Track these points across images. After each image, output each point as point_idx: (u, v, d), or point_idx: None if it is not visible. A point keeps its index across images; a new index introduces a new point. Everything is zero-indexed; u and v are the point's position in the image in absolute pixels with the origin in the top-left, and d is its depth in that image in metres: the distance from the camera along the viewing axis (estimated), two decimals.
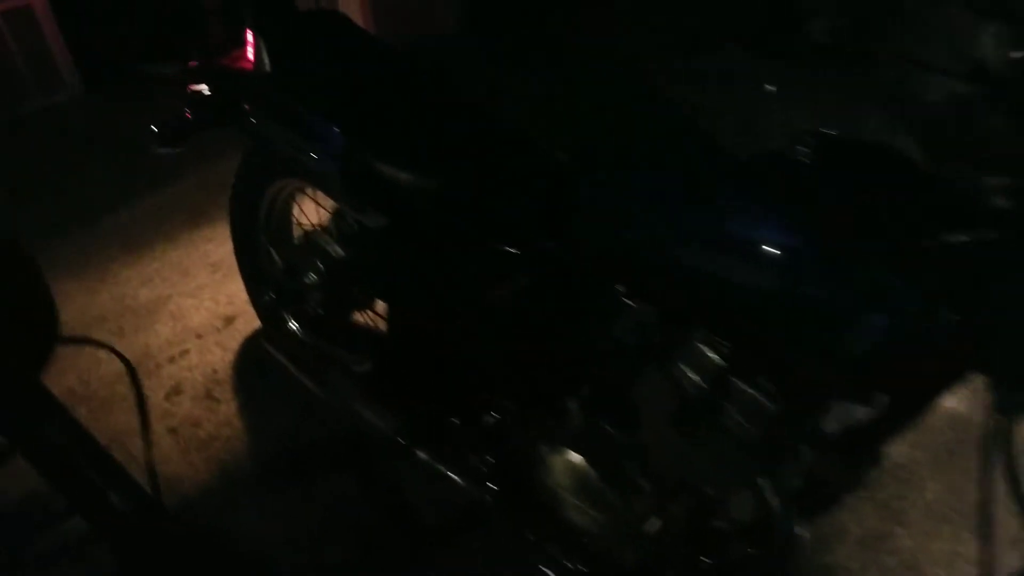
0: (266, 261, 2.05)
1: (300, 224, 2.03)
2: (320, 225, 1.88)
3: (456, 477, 1.62)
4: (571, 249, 1.35)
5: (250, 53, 1.72)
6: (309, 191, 1.93)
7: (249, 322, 2.33)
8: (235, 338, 2.29)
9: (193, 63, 1.83)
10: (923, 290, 1.01)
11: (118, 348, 2.24)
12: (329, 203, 1.90)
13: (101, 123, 3.60)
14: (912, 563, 1.64)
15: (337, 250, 1.76)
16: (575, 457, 1.42)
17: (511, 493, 1.58)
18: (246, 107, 1.73)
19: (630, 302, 1.31)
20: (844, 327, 1.08)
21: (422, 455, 1.66)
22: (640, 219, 1.23)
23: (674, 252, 1.18)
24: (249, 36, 1.71)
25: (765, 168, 1.19)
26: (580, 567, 1.52)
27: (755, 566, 1.32)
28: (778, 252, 1.08)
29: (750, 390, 1.18)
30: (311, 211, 1.98)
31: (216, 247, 2.64)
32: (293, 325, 2.01)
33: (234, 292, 2.44)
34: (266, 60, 1.69)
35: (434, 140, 1.54)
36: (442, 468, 1.64)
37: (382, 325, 1.92)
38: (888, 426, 1.18)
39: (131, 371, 2.16)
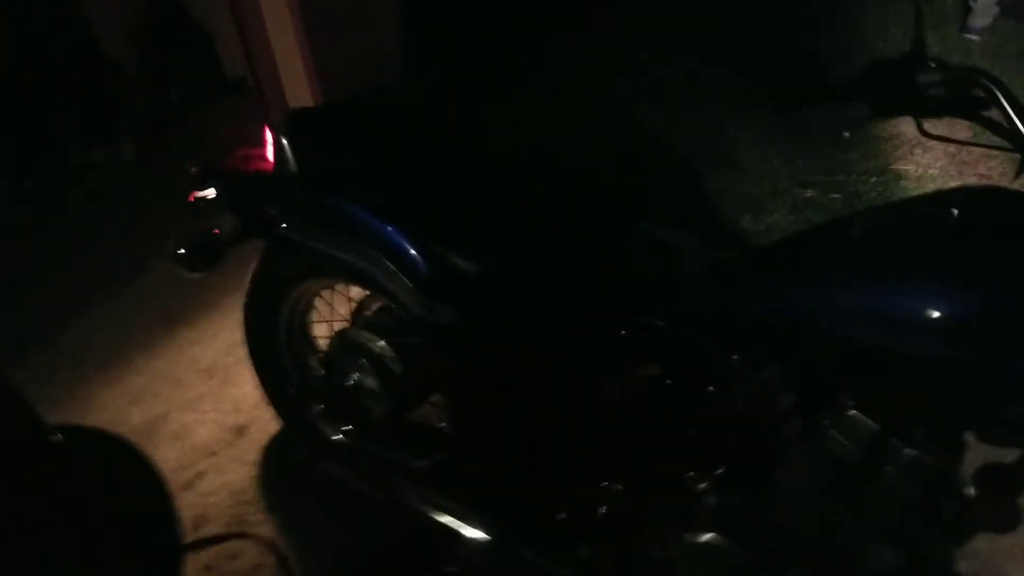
0: (292, 367, 1.89)
1: (326, 323, 1.89)
2: (357, 322, 1.76)
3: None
4: (685, 323, 1.29)
5: (269, 153, 1.59)
6: (340, 287, 1.80)
7: (263, 429, 2.15)
8: (252, 449, 2.11)
9: (193, 167, 1.68)
10: None
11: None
12: (367, 298, 1.78)
13: (35, 219, 3.29)
14: None
15: (390, 348, 1.64)
16: (715, 538, 1.35)
17: None
18: (274, 213, 1.60)
19: (754, 371, 1.27)
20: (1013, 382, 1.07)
21: (526, 553, 1.56)
22: (779, 291, 1.19)
23: (825, 323, 1.14)
24: (268, 135, 1.58)
25: (906, 231, 1.16)
26: None
27: None
28: (945, 317, 1.06)
29: (908, 448, 1.16)
30: (330, 308, 1.85)
31: (203, 349, 2.44)
32: (337, 433, 1.86)
33: (238, 397, 2.25)
34: (291, 159, 1.56)
35: (505, 222, 1.46)
36: (551, 565, 1.54)
37: (435, 415, 1.80)
38: None
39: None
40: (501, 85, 3.46)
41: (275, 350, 1.87)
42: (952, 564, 1.24)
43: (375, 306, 1.79)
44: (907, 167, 3.06)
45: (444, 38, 3.46)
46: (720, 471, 1.32)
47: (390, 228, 1.46)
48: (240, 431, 2.16)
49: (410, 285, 1.46)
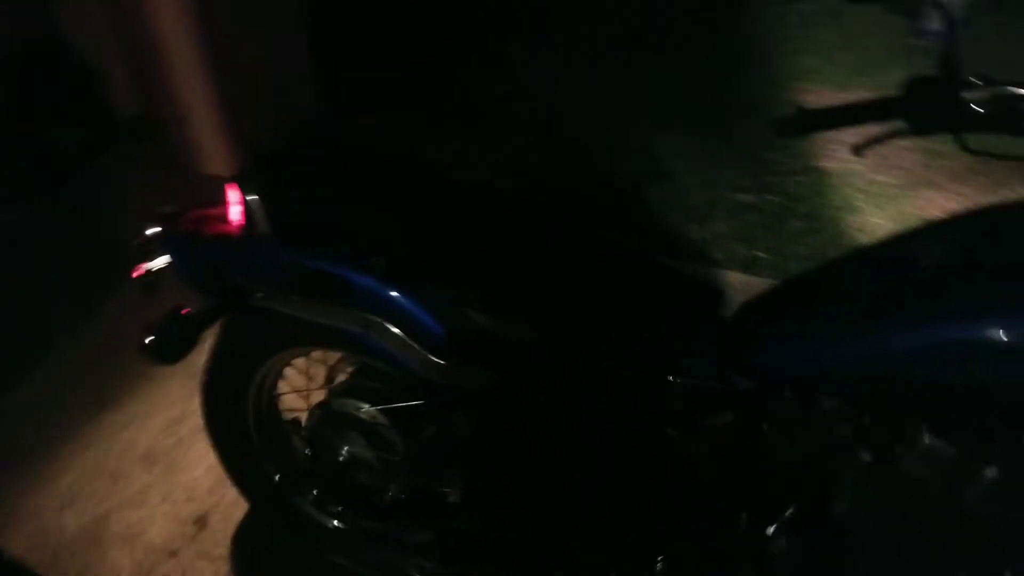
0: (265, 449, 1.68)
1: (297, 393, 1.69)
2: (337, 389, 1.58)
3: None
4: (753, 377, 1.20)
5: (234, 213, 1.39)
6: (318, 354, 1.61)
7: (226, 516, 1.92)
8: (219, 542, 1.87)
9: (142, 236, 1.46)
10: None
11: None
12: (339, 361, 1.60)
13: None
14: None
15: (384, 415, 1.48)
16: None
17: None
18: (246, 281, 1.41)
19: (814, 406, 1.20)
20: None
21: None
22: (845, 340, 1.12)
23: (896, 366, 1.08)
24: (230, 193, 1.39)
25: (948, 255, 1.13)
26: None
27: None
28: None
29: (991, 471, 1.11)
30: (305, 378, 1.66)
31: (138, 433, 2.16)
32: (332, 517, 1.66)
33: (189, 483, 2.01)
34: (262, 219, 1.37)
35: (520, 269, 1.33)
36: None
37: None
38: None
39: None
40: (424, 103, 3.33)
41: (243, 432, 1.66)
42: None
43: (349, 369, 1.63)
44: (830, 164, 3.13)
45: (356, 61, 3.30)
46: (789, 513, 1.25)
47: (394, 291, 1.31)
48: (200, 522, 1.92)
49: (421, 351, 1.31)
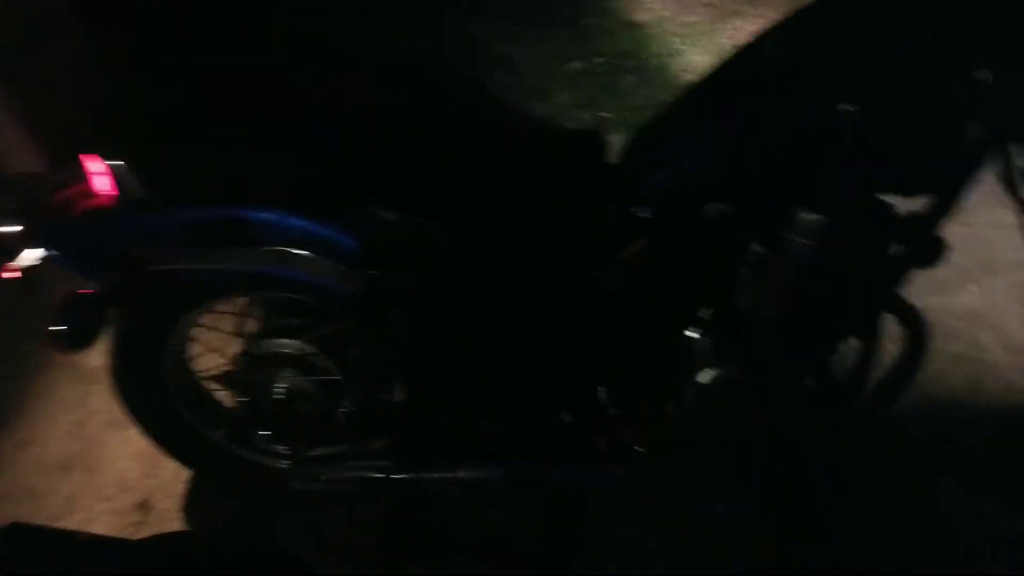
0: (195, 414, 1.66)
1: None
2: (258, 337, 1.57)
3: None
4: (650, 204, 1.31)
5: (101, 184, 1.33)
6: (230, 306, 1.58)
7: (169, 493, 1.88)
8: (171, 517, 1.84)
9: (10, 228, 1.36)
10: None
11: None
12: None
13: None
14: None
15: (313, 345, 1.50)
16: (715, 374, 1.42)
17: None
18: (140, 251, 1.36)
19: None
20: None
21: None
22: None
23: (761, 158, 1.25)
24: (91, 165, 1.32)
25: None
26: None
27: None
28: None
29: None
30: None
31: (42, 447, 2.03)
32: (279, 459, 1.68)
33: (116, 477, 1.94)
34: (135, 183, 1.32)
35: (413, 167, 1.36)
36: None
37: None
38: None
39: None
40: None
41: (168, 403, 1.63)
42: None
43: (258, 314, 1.61)
44: (643, 16, 3.27)
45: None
46: (708, 315, 1.39)
47: (296, 218, 1.31)
48: (144, 507, 1.87)
49: (339, 267, 1.32)
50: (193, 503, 1.87)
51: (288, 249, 1.30)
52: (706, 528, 1.71)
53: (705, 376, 1.40)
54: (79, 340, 1.32)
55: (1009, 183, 1.40)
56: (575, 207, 1.33)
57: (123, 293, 1.37)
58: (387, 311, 1.39)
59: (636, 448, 1.52)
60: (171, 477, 1.90)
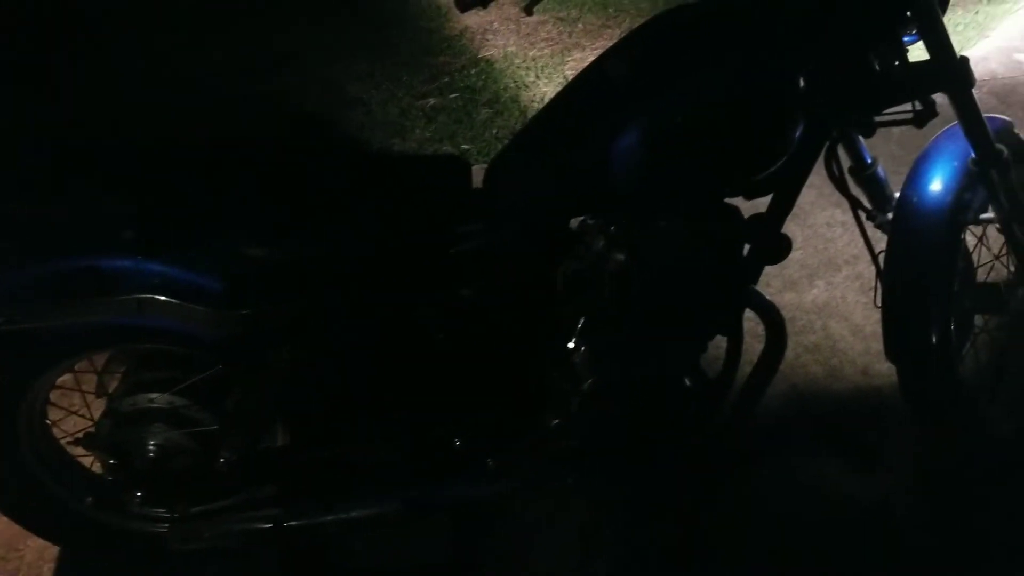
0: (60, 483, 1.54)
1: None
2: (122, 395, 1.48)
3: None
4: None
5: None
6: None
7: (34, 571, 1.74)
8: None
9: None
10: None
11: None
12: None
13: None
14: None
15: (184, 397, 1.44)
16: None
17: None
18: None
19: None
20: None
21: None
22: None
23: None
24: None
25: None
26: None
27: None
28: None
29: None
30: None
31: None
32: (153, 522, 1.58)
33: None
34: None
35: (276, 198, 1.34)
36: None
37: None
38: None
39: None
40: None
41: (27, 475, 1.51)
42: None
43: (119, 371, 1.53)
44: (491, 52, 3.36)
45: None
46: (581, 325, 1.43)
47: (153, 263, 1.26)
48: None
49: (207, 311, 1.28)
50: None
51: (151, 296, 1.25)
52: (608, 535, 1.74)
53: (587, 384, 1.45)
54: None
55: (840, 182, 1.54)
56: (441, 228, 1.35)
57: None
58: (263, 351, 1.36)
59: (530, 461, 1.54)
60: (34, 558, 1.75)
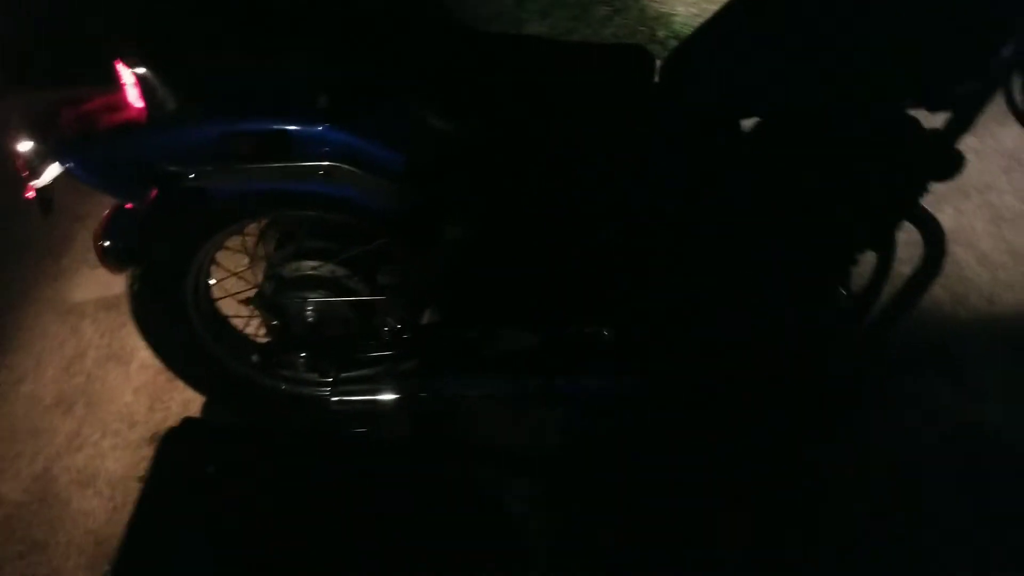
0: (216, 341, 1.63)
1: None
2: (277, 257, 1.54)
3: None
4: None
5: (132, 96, 1.27)
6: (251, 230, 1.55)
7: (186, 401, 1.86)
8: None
9: (19, 157, 1.28)
10: None
11: None
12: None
13: None
14: None
15: (344, 268, 1.49)
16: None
17: None
18: (172, 166, 1.30)
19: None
20: None
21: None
22: None
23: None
24: (123, 74, 1.26)
25: None
26: None
27: None
28: None
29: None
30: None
31: (36, 384, 1.96)
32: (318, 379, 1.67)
33: (121, 411, 1.89)
34: (163, 95, 1.26)
35: (458, 76, 1.34)
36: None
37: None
38: None
39: None
40: None
41: (191, 332, 1.59)
42: None
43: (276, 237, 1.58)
44: None
45: None
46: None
47: (342, 132, 1.28)
48: (156, 440, 1.83)
49: (388, 182, 1.30)
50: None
51: (339, 164, 1.27)
52: None
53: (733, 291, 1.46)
54: (130, 254, 1.27)
55: (1014, 104, 1.49)
56: (618, 122, 1.34)
57: (159, 209, 1.31)
58: (434, 228, 1.38)
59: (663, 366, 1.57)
60: (180, 410, 1.87)
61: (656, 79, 1.37)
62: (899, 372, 1.92)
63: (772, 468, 1.71)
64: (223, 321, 1.67)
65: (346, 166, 1.28)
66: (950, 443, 1.78)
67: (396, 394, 1.56)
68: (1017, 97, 1.45)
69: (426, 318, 1.61)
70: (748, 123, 1.42)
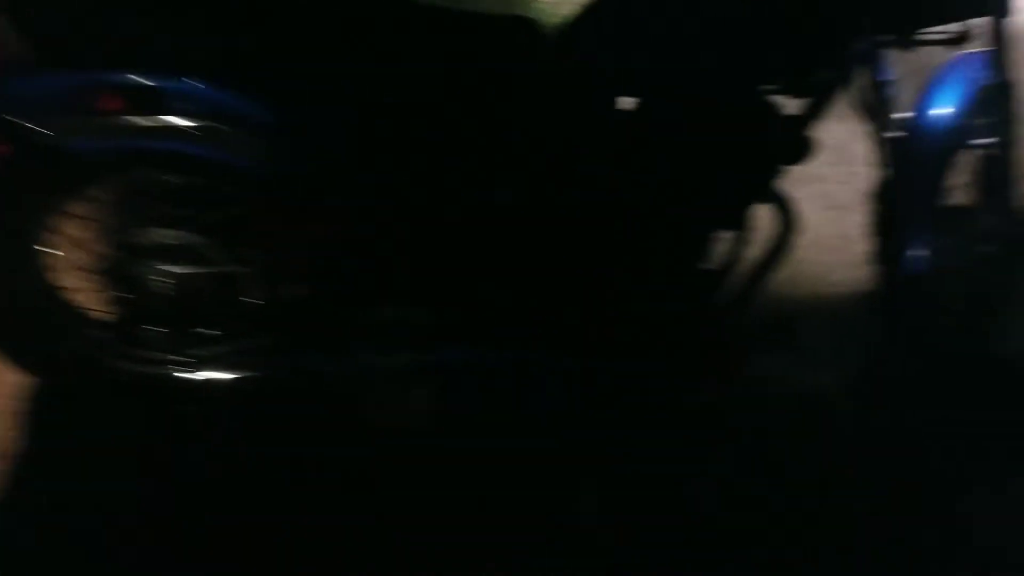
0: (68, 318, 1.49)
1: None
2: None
3: None
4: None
5: None
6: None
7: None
8: None
9: None
10: None
11: None
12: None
13: None
14: None
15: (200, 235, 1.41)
16: None
17: None
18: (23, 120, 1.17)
19: None
20: None
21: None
22: None
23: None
24: None
25: None
26: None
27: None
28: None
29: None
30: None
31: None
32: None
33: None
34: (13, 41, 1.15)
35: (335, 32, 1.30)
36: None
37: None
38: None
39: None
40: None
41: (41, 306, 1.44)
42: None
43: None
44: None
45: None
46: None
47: (212, 90, 1.20)
48: None
49: (263, 143, 1.24)
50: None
51: (215, 125, 1.20)
52: None
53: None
54: None
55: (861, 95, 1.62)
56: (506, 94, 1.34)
57: (5, 166, 1.18)
58: (315, 189, 1.33)
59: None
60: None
61: (541, 53, 1.38)
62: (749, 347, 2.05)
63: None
64: (65, 294, 1.53)
65: (224, 127, 1.21)
66: (795, 408, 1.92)
67: (246, 372, 1.50)
68: (862, 89, 1.60)
69: (292, 292, 1.55)
70: (625, 101, 1.47)
